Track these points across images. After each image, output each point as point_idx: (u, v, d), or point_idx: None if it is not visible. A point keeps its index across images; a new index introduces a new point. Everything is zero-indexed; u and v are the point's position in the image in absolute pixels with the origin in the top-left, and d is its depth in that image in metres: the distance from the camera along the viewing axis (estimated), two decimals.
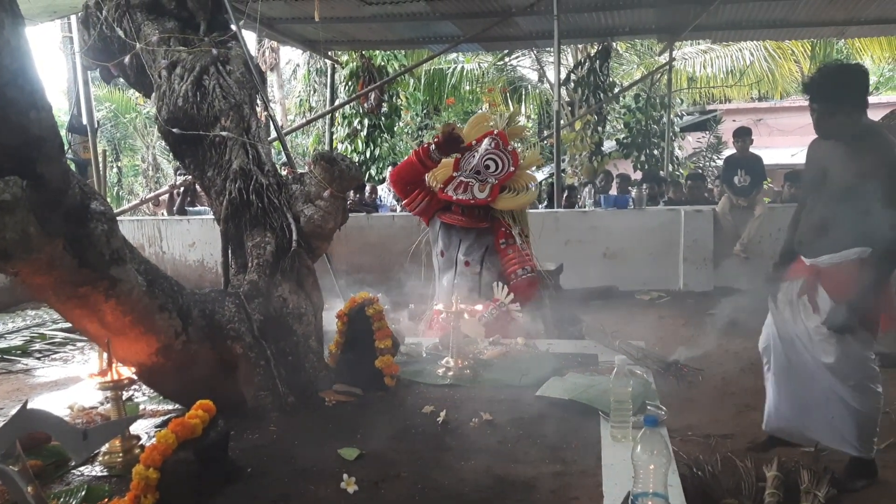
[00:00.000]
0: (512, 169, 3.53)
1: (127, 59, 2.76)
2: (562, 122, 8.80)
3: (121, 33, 2.74)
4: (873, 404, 2.69)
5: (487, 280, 3.51)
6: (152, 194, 9.45)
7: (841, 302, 2.62)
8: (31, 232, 1.59)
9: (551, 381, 2.41)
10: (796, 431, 2.98)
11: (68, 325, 5.41)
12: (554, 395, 2.29)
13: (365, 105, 12.30)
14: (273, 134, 4.25)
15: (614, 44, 12.01)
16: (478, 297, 3.42)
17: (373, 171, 12.57)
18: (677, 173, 11.51)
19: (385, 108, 12.77)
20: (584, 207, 8.14)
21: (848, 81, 2.64)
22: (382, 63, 12.47)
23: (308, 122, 13.04)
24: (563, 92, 11.53)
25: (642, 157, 11.69)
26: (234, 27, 2.88)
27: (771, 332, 3.01)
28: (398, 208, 8.15)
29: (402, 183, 3.67)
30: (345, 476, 1.72)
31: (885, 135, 2.69)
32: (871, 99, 4.54)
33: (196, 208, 8.30)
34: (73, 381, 3.18)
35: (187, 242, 7.74)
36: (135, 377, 2.05)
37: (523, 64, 15.03)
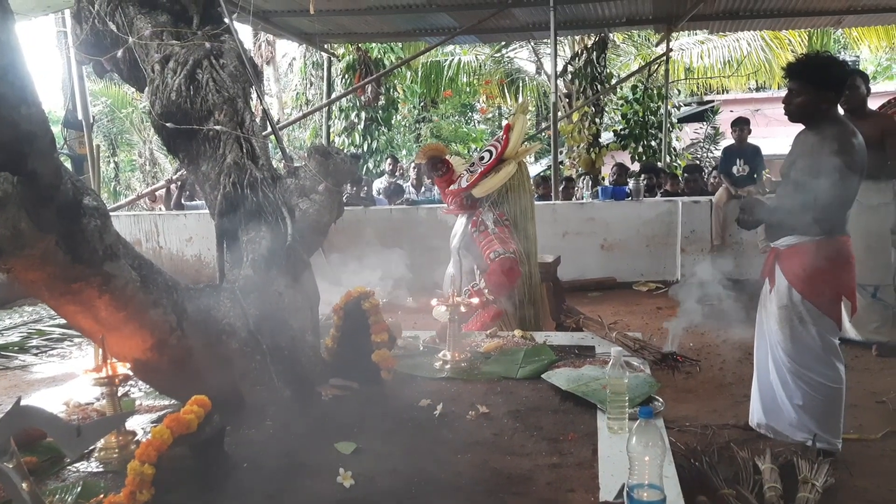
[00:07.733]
0: (494, 158, 3.53)
1: (119, 53, 2.75)
2: (559, 113, 8.77)
3: (113, 27, 2.72)
4: (824, 392, 2.77)
5: (467, 267, 3.59)
6: (149, 189, 9.41)
7: (792, 281, 2.77)
8: (23, 228, 1.58)
9: (563, 370, 2.41)
10: (766, 427, 3.00)
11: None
12: (557, 383, 2.29)
13: (362, 98, 12.26)
14: (269, 128, 4.23)
15: (611, 35, 11.96)
16: (459, 284, 3.47)
17: (370, 165, 12.53)
18: (675, 164, 11.47)
19: (382, 101, 12.73)
20: (582, 199, 8.14)
21: (826, 70, 2.79)
22: (379, 55, 12.42)
23: (305, 116, 12.98)
24: (561, 83, 11.50)
25: (640, 149, 11.66)
26: (227, 20, 2.86)
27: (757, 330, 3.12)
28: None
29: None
30: (341, 470, 1.72)
31: (847, 129, 2.75)
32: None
33: (193, 203, 8.27)
34: (70, 377, 3.18)
35: (184, 237, 7.73)
36: (130, 373, 2.04)
37: (520, 56, 14.98)
